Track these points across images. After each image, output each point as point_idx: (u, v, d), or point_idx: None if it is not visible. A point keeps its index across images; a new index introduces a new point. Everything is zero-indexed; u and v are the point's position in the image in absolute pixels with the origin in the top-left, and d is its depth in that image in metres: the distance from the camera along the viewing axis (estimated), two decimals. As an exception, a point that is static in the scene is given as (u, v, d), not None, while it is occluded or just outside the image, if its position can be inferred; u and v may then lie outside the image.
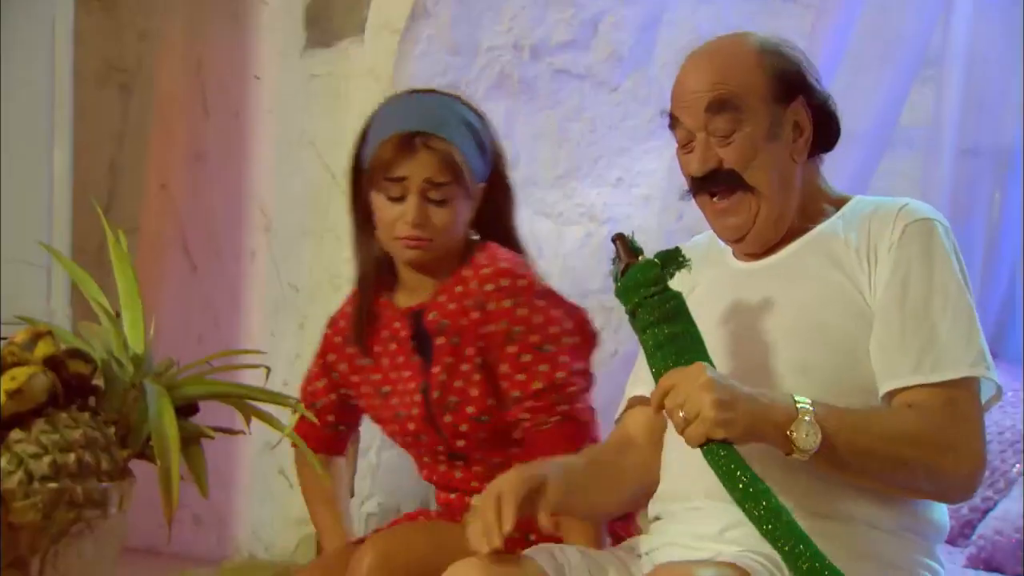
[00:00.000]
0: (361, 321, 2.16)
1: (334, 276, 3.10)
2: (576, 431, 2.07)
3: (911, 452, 1.64)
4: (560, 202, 3.32)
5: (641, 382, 1.84)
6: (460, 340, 2.09)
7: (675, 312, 1.66)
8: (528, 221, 3.21)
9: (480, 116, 2.15)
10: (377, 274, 2.15)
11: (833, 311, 1.72)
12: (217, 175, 3.40)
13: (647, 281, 1.67)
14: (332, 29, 3.15)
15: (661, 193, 3.35)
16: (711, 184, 1.77)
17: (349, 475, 2.68)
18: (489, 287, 2.07)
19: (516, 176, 3.25)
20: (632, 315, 1.69)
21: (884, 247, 1.72)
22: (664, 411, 1.62)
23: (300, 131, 3.21)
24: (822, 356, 1.71)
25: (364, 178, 2.11)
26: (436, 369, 2.10)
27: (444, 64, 3.09)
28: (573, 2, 3.24)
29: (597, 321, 3.35)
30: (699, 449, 1.59)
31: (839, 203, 1.82)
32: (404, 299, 2.15)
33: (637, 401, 1.87)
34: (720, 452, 1.58)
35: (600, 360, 3.35)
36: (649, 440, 1.83)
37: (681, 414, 1.59)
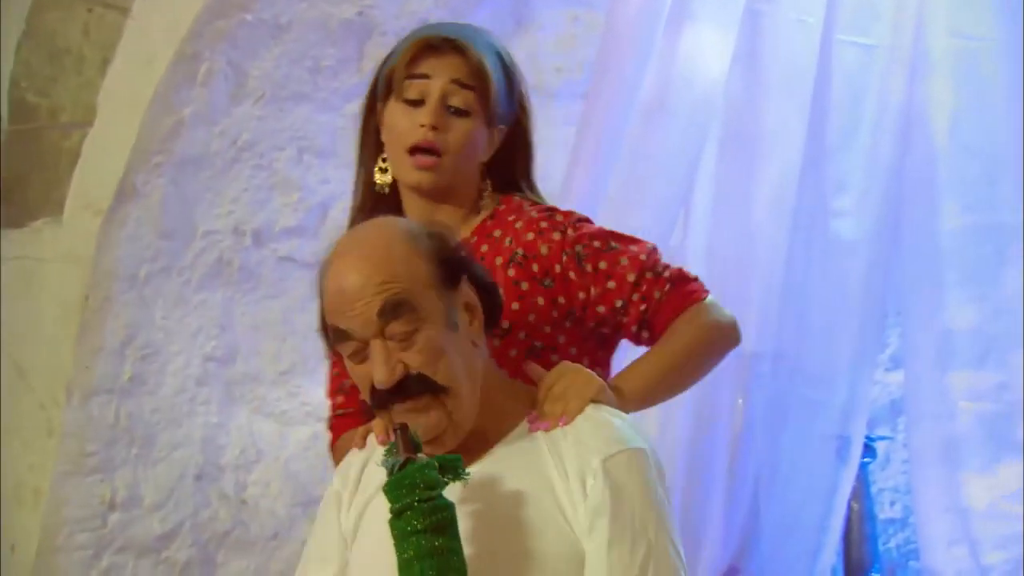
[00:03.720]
0: None
1: (18, 485, 2.77)
2: (689, 283, 1.98)
3: None
4: (283, 400, 3.17)
5: None
6: None
7: (446, 524, 1.59)
8: (247, 421, 3.11)
9: (512, 58, 2.05)
10: (374, 206, 1.98)
11: (545, 542, 1.67)
12: None
13: (426, 483, 1.59)
14: (26, 208, 2.92)
15: (394, 390, 3.23)
16: (401, 393, 1.68)
17: None
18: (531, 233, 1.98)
19: (234, 372, 3.13)
20: (397, 515, 1.59)
21: (589, 474, 1.68)
22: None
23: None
24: None
25: (378, 97, 2.00)
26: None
27: (155, 248, 2.90)
28: (300, 185, 3.12)
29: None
30: None
31: (531, 389, 1.78)
32: None
33: None
34: None
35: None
36: None
37: None
